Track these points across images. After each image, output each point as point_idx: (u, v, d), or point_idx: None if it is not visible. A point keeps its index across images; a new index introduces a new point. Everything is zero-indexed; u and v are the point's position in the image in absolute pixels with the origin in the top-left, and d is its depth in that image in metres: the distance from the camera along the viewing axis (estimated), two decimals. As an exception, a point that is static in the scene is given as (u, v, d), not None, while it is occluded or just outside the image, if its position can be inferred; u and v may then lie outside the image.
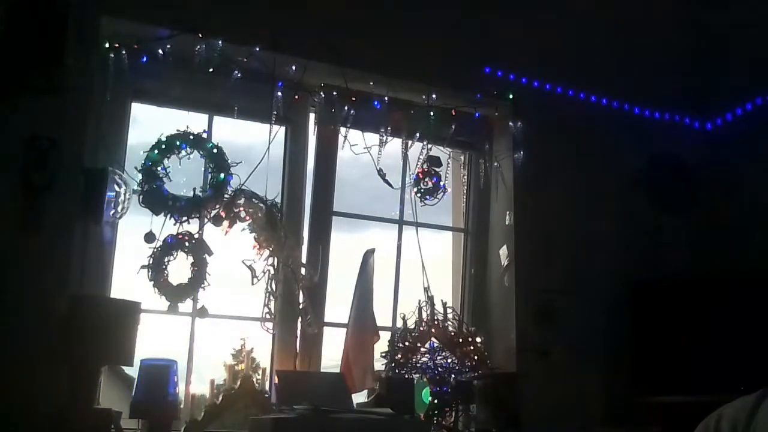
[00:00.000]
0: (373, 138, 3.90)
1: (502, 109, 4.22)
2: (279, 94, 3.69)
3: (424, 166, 4.03)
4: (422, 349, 3.76)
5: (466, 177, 4.37)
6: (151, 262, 3.40)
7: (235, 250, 3.59)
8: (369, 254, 3.78)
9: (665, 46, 4.64)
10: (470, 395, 3.63)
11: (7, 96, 3.10)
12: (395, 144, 4.00)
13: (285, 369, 3.64)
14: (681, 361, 3.91)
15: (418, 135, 4.01)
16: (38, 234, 3.07)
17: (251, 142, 3.88)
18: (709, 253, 4.32)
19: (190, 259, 3.46)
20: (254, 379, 3.48)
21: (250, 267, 3.57)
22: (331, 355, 3.81)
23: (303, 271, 3.68)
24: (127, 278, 3.46)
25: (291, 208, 3.86)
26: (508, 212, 4.16)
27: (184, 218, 3.47)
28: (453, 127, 4.08)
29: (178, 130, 3.51)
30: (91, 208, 3.29)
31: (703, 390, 3.70)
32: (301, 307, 3.66)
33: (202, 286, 3.46)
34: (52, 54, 3.17)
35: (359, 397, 3.61)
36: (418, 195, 4.03)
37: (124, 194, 3.41)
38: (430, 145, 4.05)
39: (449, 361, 3.77)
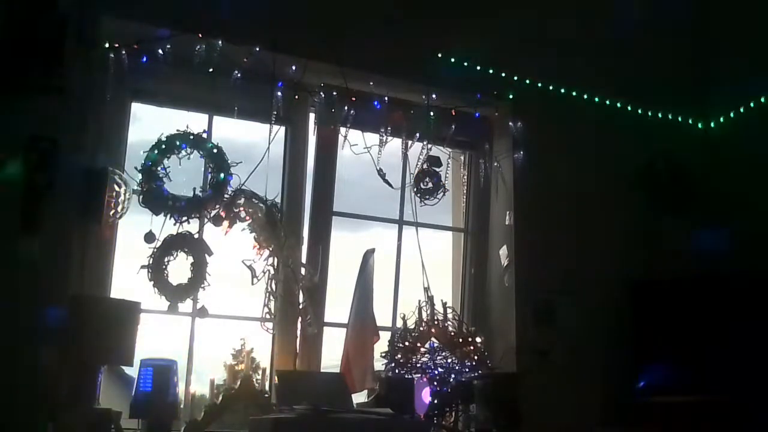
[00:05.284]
0: (373, 138, 3.90)
1: (502, 109, 4.22)
2: (279, 94, 3.69)
3: (424, 166, 4.04)
4: (422, 349, 3.76)
5: (466, 177, 4.37)
6: (151, 262, 3.40)
7: (235, 250, 3.59)
8: (369, 254, 3.79)
9: (665, 46, 4.64)
10: (470, 395, 3.63)
11: (7, 96, 3.10)
12: (395, 143, 4.01)
13: (285, 369, 3.64)
14: (680, 361, 3.91)
15: (418, 135, 4.02)
16: (38, 234, 3.07)
17: (251, 141, 3.89)
18: (708, 253, 4.32)
19: (190, 259, 3.47)
20: (254, 379, 3.48)
21: (250, 267, 3.57)
22: (331, 355, 3.81)
23: (303, 271, 3.68)
24: (127, 278, 3.46)
25: (291, 208, 3.86)
26: (508, 212, 4.16)
27: (184, 218, 3.47)
28: (453, 127, 4.08)
29: (178, 130, 3.52)
30: (91, 208, 3.29)
31: (702, 390, 3.71)
32: (301, 307, 3.66)
33: (202, 286, 3.46)
34: (52, 54, 3.17)
35: (359, 397, 3.61)
36: (418, 195, 4.03)
37: (124, 194, 3.41)
38: (430, 145, 4.05)
39: (449, 361, 3.77)
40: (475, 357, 3.81)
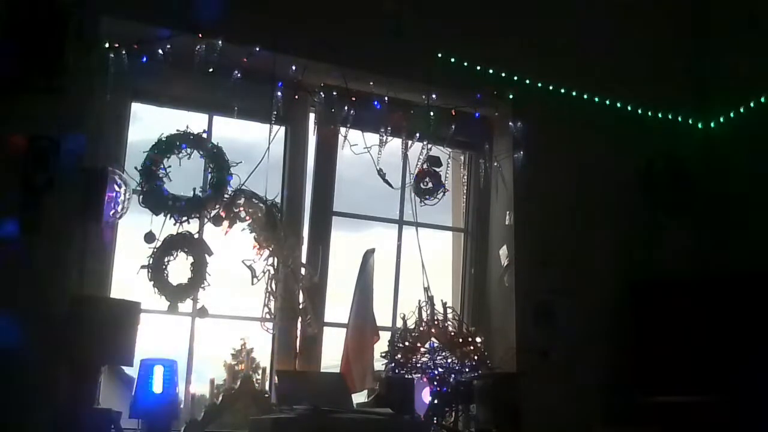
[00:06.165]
0: (373, 138, 3.90)
1: (502, 109, 4.22)
2: (279, 94, 3.69)
3: (424, 166, 4.04)
4: (422, 349, 3.77)
5: (466, 177, 4.37)
6: (151, 262, 3.41)
7: (235, 250, 3.59)
8: (369, 254, 3.79)
9: (665, 46, 4.64)
10: (470, 395, 3.63)
11: (7, 96, 3.10)
12: (395, 143, 4.01)
13: (285, 369, 3.64)
14: (680, 361, 3.91)
15: (418, 135, 4.02)
16: (38, 234, 3.07)
17: (251, 141, 3.89)
18: (708, 254, 4.33)
19: (190, 259, 3.47)
20: (254, 379, 3.48)
21: (250, 267, 3.57)
22: (331, 355, 3.81)
23: (303, 271, 3.68)
24: (127, 278, 3.46)
25: (291, 208, 3.86)
26: (508, 212, 4.16)
27: (184, 218, 3.47)
28: (453, 127, 4.08)
29: (178, 130, 3.52)
30: (91, 208, 3.29)
31: (702, 390, 3.71)
32: (301, 307, 3.66)
33: (202, 286, 3.46)
34: (52, 54, 3.17)
35: (359, 397, 3.61)
36: (418, 195, 4.03)
37: (124, 194, 3.41)
38: (430, 145, 4.05)
39: (449, 361, 3.77)
40: (475, 357, 3.81)
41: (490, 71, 4.14)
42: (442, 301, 3.91)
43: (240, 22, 3.58)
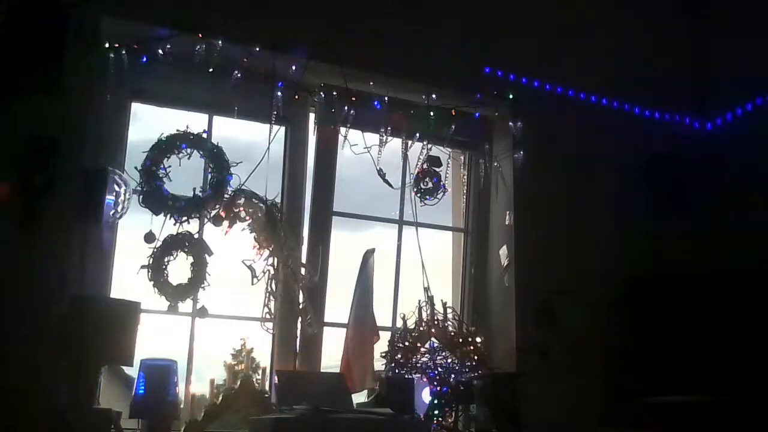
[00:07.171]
0: (373, 138, 3.90)
1: (502, 109, 4.22)
2: (279, 94, 3.69)
3: (424, 166, 4.04)
4: (422, 349, 3.77)
5: (466, 177, 4.37)
6: (151, 262, 3.40)
7: (235, 250, 3.59)
8: (369, 254, 3.79)
9: (665, 46, 4.64)
10: (470, 395, 3.63)
11: (7, 96, 3.10)
12: (395, 143, 4.01)
13: (285, 369, 3.64)
14: (681, 360, 3.91)
15: (418, 135, 4.02)
16: (38, 234, 3.07)
17: (251, 141, 3.89)
18: (708, 253, 4.33)
19: (190, 259, 3.47)
20: (254, 379, 3.48)
21: (250, 267, 3.57)
22: (331, 355, 3.81)
23: (303, 271, 3.68)
24: (127, 278, 3.46)
25: (291, 208, 3.86)
26: (508, 212, 4.16)
27: (184, 218, 3.47)
28: (453, 127, 4.08)
29: (178, 130, 3.51)
30: (91, 208, 3.29)
31: (702, 390, 3.71)
32: (301, 307, 3.66)
33: (202, 286, 3.46)
34: (52, 54, 3.17)
35: (359, 397, 3.61)
36: (418, 195, 4.04)
37: (124, 194, 3.41)
38: (430, 145, 4.05)
39: (449, 361, 3.77)
40: (475, 357, 3.81)
41: (490, 71, 4.15)
42: (442, 301, 3.91)
43: (240, 22, 3.58)
